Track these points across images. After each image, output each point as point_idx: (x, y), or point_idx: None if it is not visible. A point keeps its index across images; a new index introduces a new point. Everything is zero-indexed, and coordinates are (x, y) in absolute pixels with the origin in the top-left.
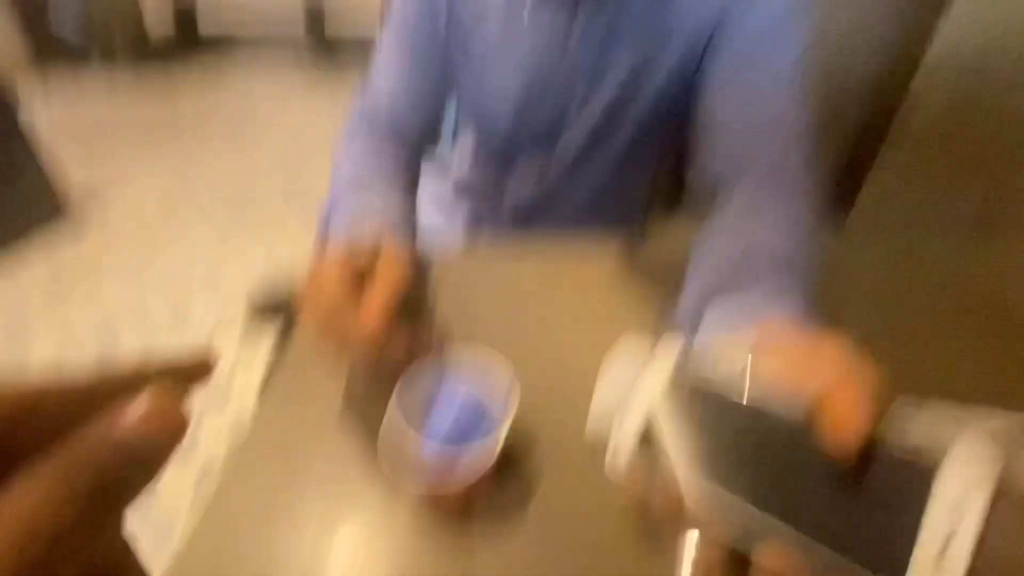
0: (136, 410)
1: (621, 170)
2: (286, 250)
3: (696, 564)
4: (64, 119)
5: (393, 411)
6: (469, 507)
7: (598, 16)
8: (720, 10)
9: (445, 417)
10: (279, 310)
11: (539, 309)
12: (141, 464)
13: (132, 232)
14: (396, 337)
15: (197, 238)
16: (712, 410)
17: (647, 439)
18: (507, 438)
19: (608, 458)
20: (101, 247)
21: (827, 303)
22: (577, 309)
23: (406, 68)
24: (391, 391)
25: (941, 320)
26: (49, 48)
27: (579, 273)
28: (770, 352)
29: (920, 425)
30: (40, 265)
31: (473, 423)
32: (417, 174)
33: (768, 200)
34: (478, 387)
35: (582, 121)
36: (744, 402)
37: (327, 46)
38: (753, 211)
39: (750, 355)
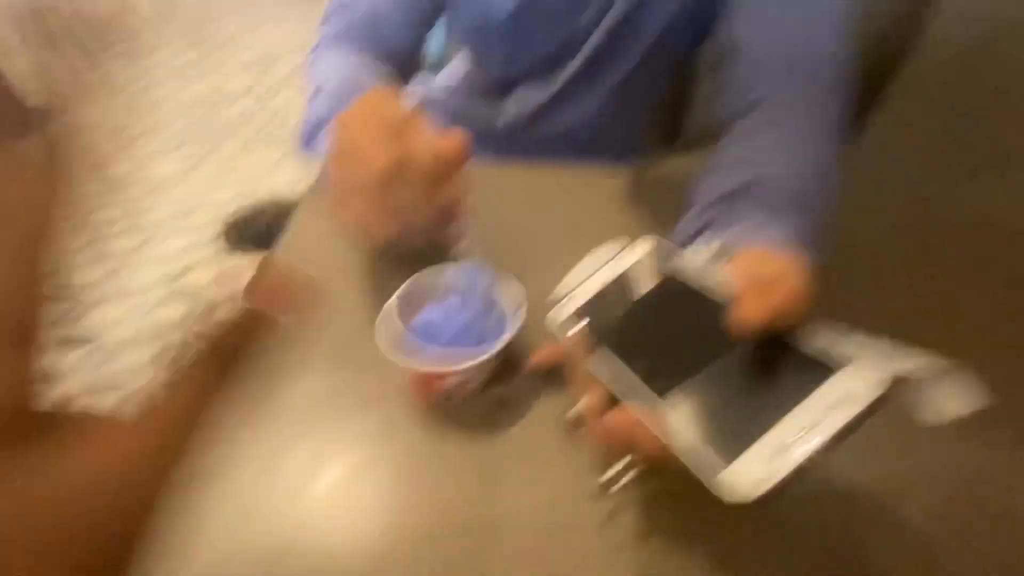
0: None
1: (622, 98)
2: (259, 177)
3: (585, 404)
4: None
5: (391, 306)
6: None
7: None
8: None
9: (446, 324)
10: (256, 241)
11: (538, 226)
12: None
13: (78, 164)
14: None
15: (160, 169)
16: (659, 293)
17: (587, 309)
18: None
19: (550, 316)
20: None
21: (840, 235)
22: (578, 229)
23: None
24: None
25: (951, 254)
26: None
27: (581, 193)
28: (734, 258)
29: (836, 341)
30: None
31: (472, 335)
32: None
33: (783, 126)
34: (486, 301)
35: (589, 41)
36: (696, 287)
37: None
38: (766, 135)
39: (714, 253)
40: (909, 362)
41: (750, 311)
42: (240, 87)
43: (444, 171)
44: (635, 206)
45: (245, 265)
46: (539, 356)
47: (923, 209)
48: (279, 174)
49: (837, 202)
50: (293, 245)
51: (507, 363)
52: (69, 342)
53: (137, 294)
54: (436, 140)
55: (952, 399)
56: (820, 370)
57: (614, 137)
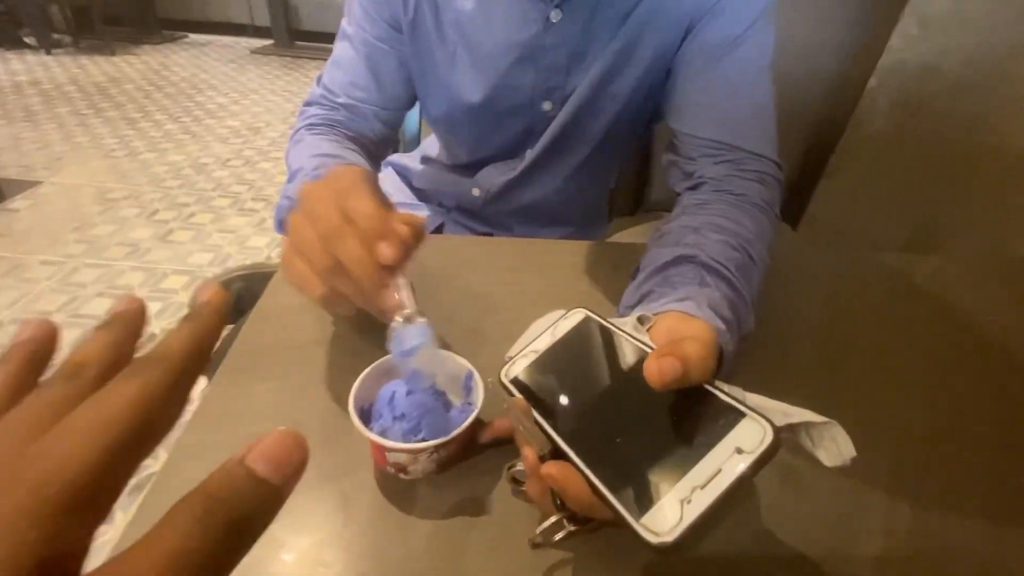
0: (262, 446)
1: (583, 175)
2: (234, 243)
3: (523, 460)
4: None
5: (352, 409)
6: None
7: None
8: (696, 5)
9: (408, 413)
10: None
11: (503, 295)
12: (266, 499)
13: (64, 225)
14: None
15: (136, 235)
16: (587, 356)
17: (531, 369)
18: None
19: (502, 374)
20: (30, 238)
21: (776, 303)
22: (540, 298)
23: (369, 69)
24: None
25: (884, 333)
26: None
27: (543, 264)
28: (655, 324)
29: (741, 396)
30: None
31: (437, 419)
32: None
33: (717, 205)
34: (438, 381)
35: (549, 128)
36: (620, 351)
37: (288, 35)
38: (701, 213)
39: (637, 320)
40: (798, 415)
41: (660, 365)
42: (222, 155)
43: (384, 228)
44: (594, 275)
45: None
46: (493, 428)
47: (861, 281)
48: (254, 240)
49: (764, 275)
50: (264, 315)
51: (470, 437)
52: None
53: None
54: (377, 201)
55: (834, 447)
56: (727, 421)
57: (579, 209)
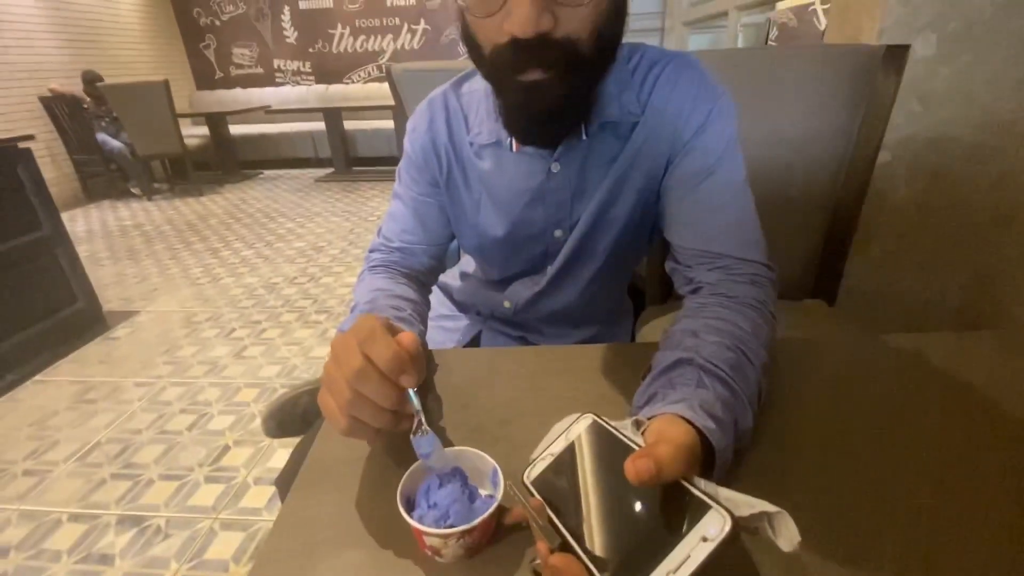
0: None
1: (599, 283)
2: (300, 364)
3: (537, 552)
4: (107, 240)
5: (399, 501)
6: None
7: (574, 148)
8: (673, 139)
9: (439, 503)
10: (293, 426)
11: (525, 402)
12: None
13: (157, 348)
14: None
15: (215, 353)
16: (591, 450)
17: (547, 471)
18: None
19: (525, 477)
20: (127, 363)
21: (814, 393)
22: (560, 403)
23: (416, 219)
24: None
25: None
26: (96, 179)
27: (564, 370)
28: (650, 425)
29: (712, 489)
30: (69, 379)
31: (463, 508)
32: (427, 308)
33: (716, 308)
34: (467, 477)
35: (563, 249)
36: (621, 451)
37: (346, 163)
38: (701, 317)
39: (634, 423)
40: (759, 506)
41: (635, 465)
42: (290, 274)
43: (401, 367)
44: (612, 377)
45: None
46: (515, 514)
47: (898, 363)
48: (317, 351)
49: (761, 371)
50: (328, 432)
51: (493, 525)
52: (125, 521)
53: (184, 474)
54: (395, 344)
55: (788, 533)
56: (697, 513)
57: (600, 311)
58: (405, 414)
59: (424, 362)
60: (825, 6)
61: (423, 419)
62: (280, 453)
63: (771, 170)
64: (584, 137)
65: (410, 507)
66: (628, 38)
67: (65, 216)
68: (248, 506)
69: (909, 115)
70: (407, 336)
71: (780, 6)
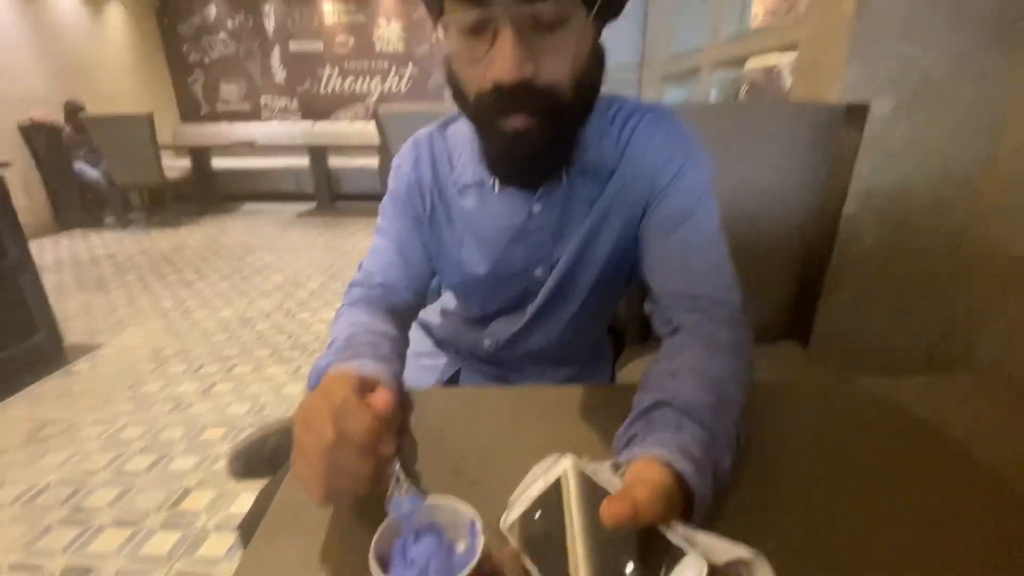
0: None
1: (579, 323)
2: (271, 402)
3: None
4: (76, 269)
5: (371, 560)
6: None
7: (556, 190)
8: (650, 186)
9: (417, 559)
10: (261, 467)
11: (503, 446)
12: None
13: (119, 384)
14: (383, 466)
15: (181, 389)
16: (570, 493)
17: (525, 515)
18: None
19: (502, 522)
20: (86, 398)
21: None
22: (538, 446)
23: (399, 254)
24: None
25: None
26: (69, 208)
27: (543, 412)
28: (629, 468)
29: (690, 533)
30: (23, 415)
31: (442, 564)
32: (406, 345)
33: (693, 349)
34: (444, 529)
35: (544, 288)
36: (602, 483)
37: (329, 198)
38: (679, 358)
39: (613, 466)
40: (736, 552)
41: (611, 508)
42: (266, 308)
43: (377, 439)
44: (591, 419)
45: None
46: (491, 563)
47: (872, 407)
48: (290, 388)
49: (739, 412)
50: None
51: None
52: (70, 571)
53: (139, 520)
54: (368, 415)
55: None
56: (674, 557)
57: (580, 350)
58: (384, 474)
59: (400, 419)
60: (789, 67)
61: (402, 477)
62: (244, 497)
63: (744, 218)
64: (565, 180)
65: (384, 563)
66: (609, 88)
67: (34, 245)
68: (207, 555)
69: (872, 168)
70: (380, 399)
71: (749, 64)
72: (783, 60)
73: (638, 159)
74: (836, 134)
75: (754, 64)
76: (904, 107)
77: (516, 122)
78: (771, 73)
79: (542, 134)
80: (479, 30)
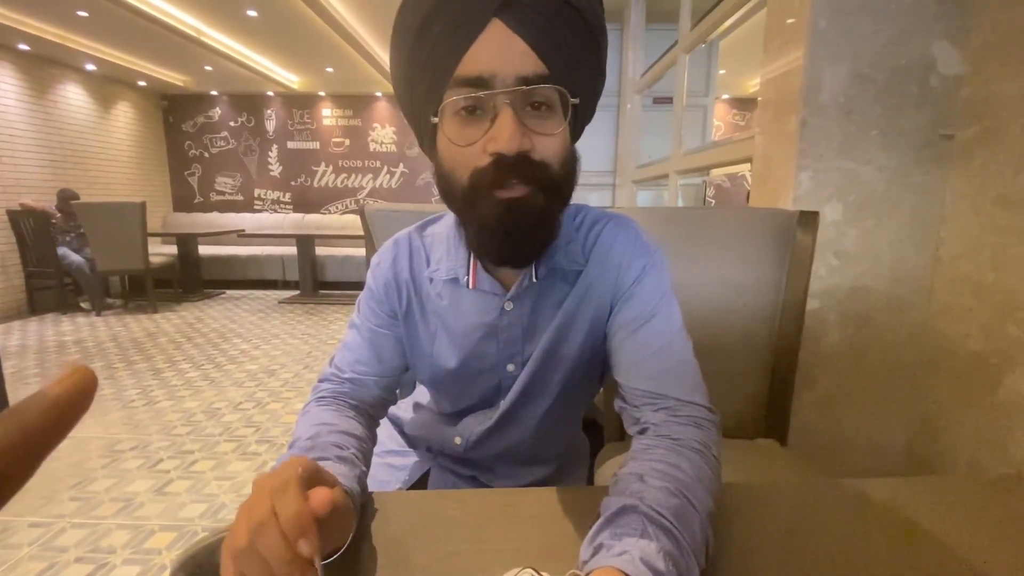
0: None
1: (551, 420)
2: (229, 503)
3: None
4: (40, 356)
5: None
6: None
7: (526, 289)
8: (615, 288)
9: None
10: None
11: (468, 555)
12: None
13: (64, 482)
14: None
15: (133, 488)
16: None
17: None
18: None
19: None
20: (26, 497)
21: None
22: (502, 555)
23: (371, 349)
24: None
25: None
26: (45, 292)
27: (511, 516)
28: None
29: None
30: None
31: None
32: (372, 444)
33: (659, 450)
34: None
35: (515, 384)
36: None
37: (313, 286)
38: (646, 460)
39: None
40: None
41: None
42: (235, 398)
43: (301, 529)
44: (559, 524)
45: None
46: None
47: (857, 510)
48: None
49: (706, 516)
50: None
51: None
52: None
53: None
54: (302, 501)
55: None
56: None
57: (554, 449)
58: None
59: (345, 522)
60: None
61: None
62: None
63: (712, 315)
64: (535, 281)
65: None
66: (586, 191)
67: (1, 328)
68: None
69: (829, 268)
70: (320, 494)
71: (714, 172)
72: (745, 166)
73: (603, 261)
74: (792, 237)
75: (718, 172)
76: (852, 214)
77: (512, 191)
78: (735, 179)
79: (535, 202)
80: (479, 113)
